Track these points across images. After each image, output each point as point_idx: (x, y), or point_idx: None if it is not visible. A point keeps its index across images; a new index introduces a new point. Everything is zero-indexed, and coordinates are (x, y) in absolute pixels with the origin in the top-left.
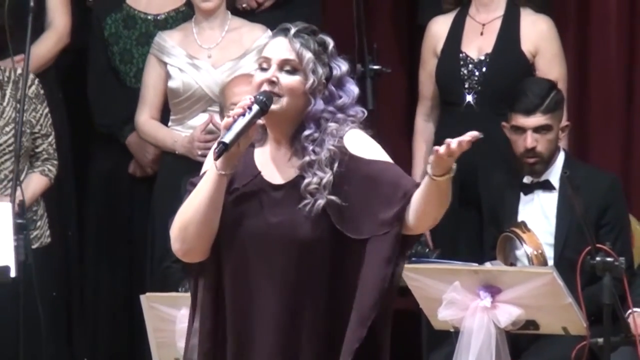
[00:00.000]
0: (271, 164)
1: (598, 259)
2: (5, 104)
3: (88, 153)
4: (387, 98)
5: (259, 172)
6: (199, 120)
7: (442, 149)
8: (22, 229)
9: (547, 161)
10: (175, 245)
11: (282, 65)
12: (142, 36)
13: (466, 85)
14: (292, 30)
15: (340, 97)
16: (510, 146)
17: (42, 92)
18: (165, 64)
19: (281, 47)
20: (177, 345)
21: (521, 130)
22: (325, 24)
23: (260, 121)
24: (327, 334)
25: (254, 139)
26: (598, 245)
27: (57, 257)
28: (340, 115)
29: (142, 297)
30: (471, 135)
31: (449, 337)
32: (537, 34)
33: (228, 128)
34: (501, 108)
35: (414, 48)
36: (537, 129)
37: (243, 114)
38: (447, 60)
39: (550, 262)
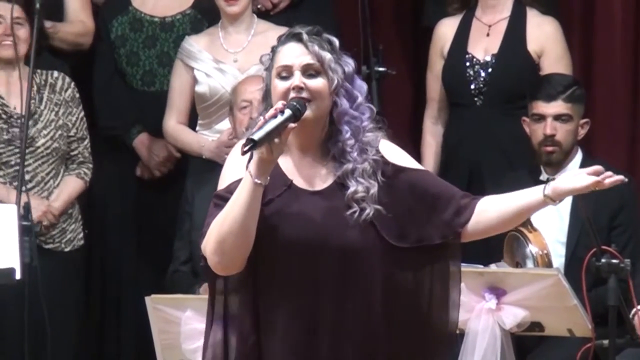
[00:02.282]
0: (301, 172)
1: (603, 260)
2: (42, 107)
3: (95, 155)
4: (392, 100)
5: (291, 181)
6: (226, 124)
7: (606, 181)
8: (27, 231)
9: (565, 152)
10: (214, 259)
11: (305, 70)
12: (149, 39)
13: (472, 86)
14: (305, 34)
15: (357, 94)
16: (524, 145)
17: (77, 95)
18: (192, 68)
19: (299, 53)
20: (182, 347)
21: (542, 117)
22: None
23: (292, 124)
24: (372, 342)
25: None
26: (603, 247)
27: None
28: (370, 125)
29: (147, 299)
30: (620, 178)
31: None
32: (543, 35)
33: (260, 128)
34: (507, 108)
35: (419, 50)
36: (557, 117)
37: (275, 116)
38: (454, 62)
39: (562, 261)
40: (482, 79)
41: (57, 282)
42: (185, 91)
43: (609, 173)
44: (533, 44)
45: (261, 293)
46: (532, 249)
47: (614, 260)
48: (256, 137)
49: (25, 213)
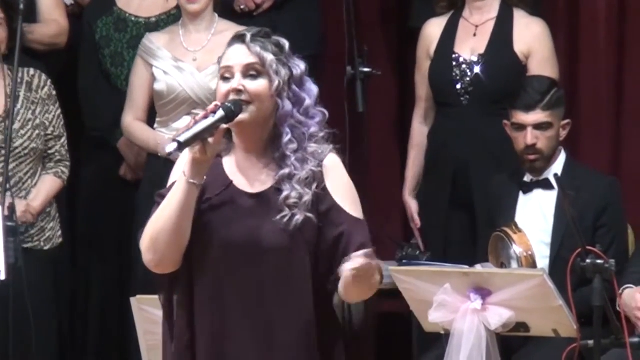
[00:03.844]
0: (243, 173)
1: (588, 261)
2: (19, 106)
3: (79, 156)
4: (378, 100)
5: (231, 182)
6: (183, 122)
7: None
8: (12, 232)
9: (548, 158)
10: (148, 256)
11: (246, 71)
12: (133, 39)
13: (459, 86)
14: (249, 35)
15: (304, 97)
16: (510, 145)
17: (54, 93)
18: (151, 65)
19: (241, 54)
20: None
21: (522, 127)
22: None
23: (224, 125)
24: (301, 345)
25: (221, 149)
26: (588, 247)
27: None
28: (320, 134)
29: (133, 300)
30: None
31: (439, 340)
32: (531, 36)
33: (188, 129)
34: (494, 108)
35: (404, 51)
36: (538, 126)
37: (206, 117)
38: (440, 61)
39: (547, 261)
40: (468, 79)
41: (38, 280)
42: (144, 88)
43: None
44: (520, 44)
45: (195, 292)
46: (516, 249)
47: (599, 261)
48: (182, 138)
49: (10, 214)
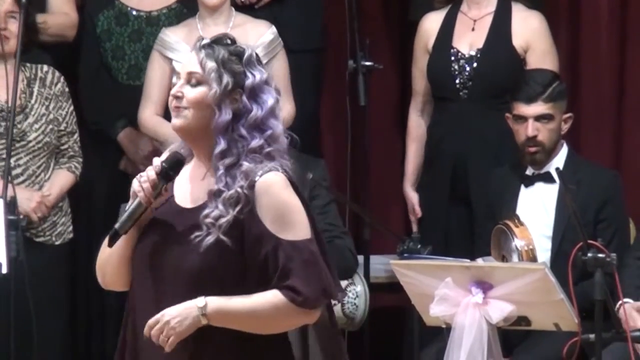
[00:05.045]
0: (187, 185)
1: (590, 254)
2: (33, 101)
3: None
4: (379, 94)
5: (172, 196)
6: None
7: None
8: (13, 225)
9: (549, 151)
10: (98, 277)
11: (188, 78)
12: (134, 33)
13: (457, 81)
14: (200, 43)
15: (252, 109)
16: (509, 139)
17: (67, 90)
18: (170, 59)
19: (188, 61)
20: None
21: (523, 119)
22: None
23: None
24: None
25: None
26: (589, 241)
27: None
28: (266, 149)
29: None
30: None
31: (440, 333)
32: (529, 29)
33: (134, 197)
34: (492, 103)
35: (405, 44)
36: (539, 118)
37: (154, 186)
38: (438, 56)
39: (548, 255)
40: (467, 74)
41: (49, 275)
42: (161, 82)
43: None
44: (518, 38)
45: (129, 308)
46: (517, 243)
47: (600, 255)
48: (117, 225)
49: (11, 207)
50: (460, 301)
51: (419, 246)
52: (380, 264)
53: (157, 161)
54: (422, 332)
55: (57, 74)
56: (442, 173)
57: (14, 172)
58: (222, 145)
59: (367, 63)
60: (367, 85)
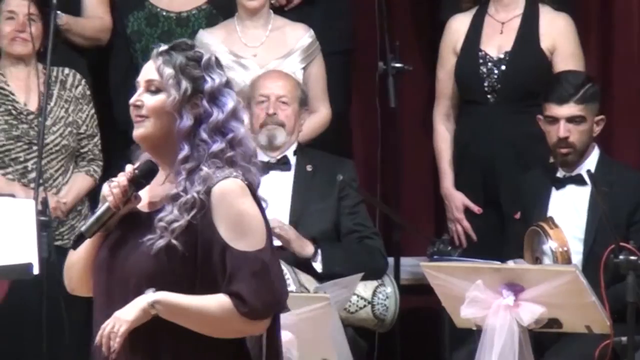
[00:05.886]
0: (152, 191)
1: (622, 257)
2: (52, 104)
3: (112, 150)
4: (409, 96)
5: (138, 202)
6: (244, 118)
7: None
8: (45, 227)
9: (580, 153)
10: (65, 282)
11: (148, 86)
12: (164, 34)
13: (485, 84)
14: (157, 50)
15: (212, 113)
16: (538, 142)
17: (88, 93)
18: None
19: (147, 69)
20: None
21: (555, 120)
22: None
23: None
24: None
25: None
26: (622, 243)
27: None
28: (228, 154)
29: None
30: None
31: (471, 336)
32: (555, 31)
33: (103, 201)
34: (521, 106)
35: (435, 45)
36: (570, 119)
37: (124, 192)
38: (467, 59)
39: (580, 257)
40: (495, 77)
41: None
42: None
43: None
44: (546, 40)
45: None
46: (551, 245)
47: (633, 257)
48: (84, 228)
49: (43, 208)
50: (491, 303)
51: (449, 248)
52: (411, 266)
53: (129, 167)
54: (453, 334)
55: (78, 76)
56: (472, 176)
57: (30, 176)
58: (185, 150)
59: (397, 65)
60: (397, 87)
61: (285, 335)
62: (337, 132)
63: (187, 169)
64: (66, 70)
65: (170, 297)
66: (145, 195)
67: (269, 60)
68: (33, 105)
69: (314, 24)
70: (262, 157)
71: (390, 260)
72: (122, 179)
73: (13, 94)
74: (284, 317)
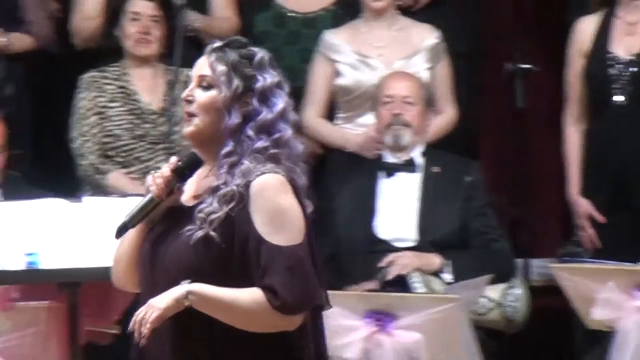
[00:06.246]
0: (197, 185)
1: None
2: (175, 104)
3: None
4: (536, 97)
5: (182, 193)
6: (369, 118)
7: None
8: None
9: None
10: (114, 278)
11: (200, 82)
12: (292, 35)
13: (616, 86)
14: (212, 46)
15: (261, 112)
16: None
17: None
18: (334, 61)
19: (200, 64)
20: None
21: None
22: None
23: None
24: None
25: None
26: None
27: None
28: (270, 151)
29: None
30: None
31: (603, 337)
32: None
33: (147, 193)
34: None
35: (561, 46)
36: None
37: (167, 183)
38: (596, 61)
39: None
40: (625, 79)
41: None
42: (325, 84)
43: None
44: None
45: None
46: None
47: None
48: (127, 218)
49: None
50: (624, 305)
51: (580, 250)
52: (540, 267)
53: (173, 159)
54: (584, 336)
55: None
56: (605, 179)
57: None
58: (229, 147)
59: (525, 66)
60: (524, 88)
61: (414, 336)
62: (463, 133)
63: (229, 162)
64: (189, 72)
65: (204, 289)
66: (191, 189)
67: (394, 60)
68: (157, 106)
69: (442, 25)
70: (389, 158)
71: (520, 261)
72: (165, 170)
73: (137, 94)
74: (413, 318)
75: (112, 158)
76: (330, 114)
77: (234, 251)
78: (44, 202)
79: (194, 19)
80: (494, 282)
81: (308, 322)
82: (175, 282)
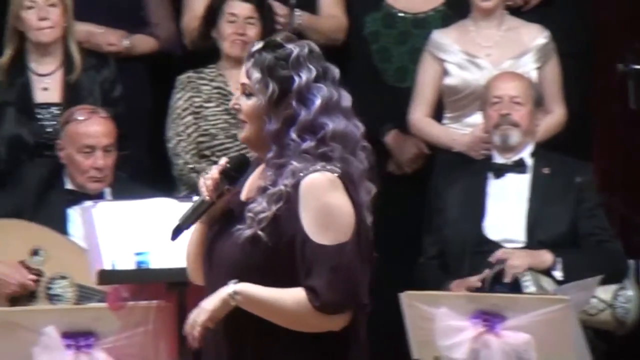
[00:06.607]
0: (252, 183)
1: None
2: None
3: None
4: None
5: (239, 191)
6: (477, 118)
7: None
8: None
9: None
10: (189, 275)
11: (242, 90)
12: (401, 35)
13: None
14: (250, 50)
15: (299, 113)
16: None
17: None
18: (442, 61)
19: (242, 71)
20: (437, 343)
21: None
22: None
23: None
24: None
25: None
26: None
27: None
28: (319, 150)
29: (402, 295)
30: None
31: None
32: None
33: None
34: None
35: None
36: None
37: (216, 185)
38: None
39: None
40: None
41: None
42: (432, 84)
43: None
44: None
45: None
46: None
47: None
48: (180, 221)
49: None
50: None
51: None
52: None
53: (222, 161)
54: None
55: None
56: None
57: None
58: (273, 151)
59: (637, 66)
60: (637, 88)
61: (523, 337)
62: (573, 134)
63: (275, 164)
64: None
65: (249, 288)
66: (246, 185)
67: (502, 60)
68: None
69: (552, 26)
70: (497, 159)
71: (632, 262)
72: (214, 171)
73: (232, 94)
74: (521, 319)
75: (208, 157)
76: (439, 113)
77: (281, 250)
78: (153, 202)
79: (298, 17)
80: (604, 282)
81: (362, 320)
82: (226, 281)
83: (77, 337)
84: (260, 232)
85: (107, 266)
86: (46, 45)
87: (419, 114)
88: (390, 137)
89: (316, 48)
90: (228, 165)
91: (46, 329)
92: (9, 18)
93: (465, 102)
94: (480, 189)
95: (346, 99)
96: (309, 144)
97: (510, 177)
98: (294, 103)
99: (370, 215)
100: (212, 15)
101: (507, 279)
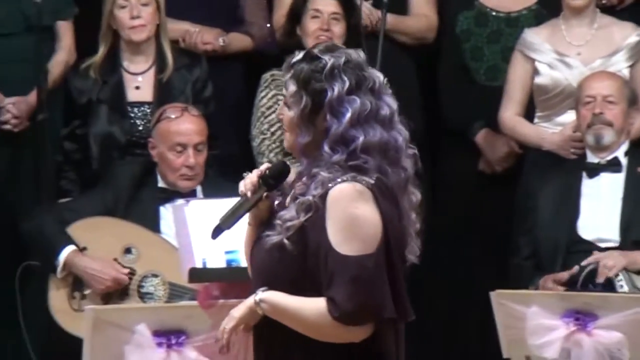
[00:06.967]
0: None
1: None
2: None
3: (439, 149)
4: None
5: (282, 193)
6: (567, 117)
7: None
8: None
9: None
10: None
11: (285, 101)
12: (493, 34)
13: None
14: (288, 62)
15: (331, 126)
16: None
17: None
18: (532, 60)
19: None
20: (528, 342)
21: None
22: None
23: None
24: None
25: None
26: None
27: None
28: (350, 162)
29: (492, 294)
30: None
31: None
32: None
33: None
34: None
35: None
36: None
37: (254, 189)
38: None
39: None
40: None
41: None
42: (523, 83)
43: None
44: None
45: None
46: None
47: None
48: (220, 221)
49: None
50: None
51: None
52: None
53: (264, 166)
54: None
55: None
56: None
57: None
58: (305, 162)
59: None
60: None
61: (615, 336)
62: None
63: (308, 174)
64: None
65: (273, 297)
66: (290, 195)
67: (593, 58)
68: None
69: None
70: (591, 158)
71: None
72: (253, 175)
73: None
74: (612, 318)
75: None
76: (531, 112)
77: (306, 260)
78: None
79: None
80: None
81: (388, 333)
82: (259, 285)
83: (169, 335)
84: (286, 241)
85: (198, 264)
86: (138, 43)
87: (510, 113)
88: (481, 136)
89: (354, 57)
90: (267, 172)
91: (138, 327)
92: (103, 16)
93: (555, 101)
94: (574, 188)
95: (386, 108)
96: (340, 156)
97: (604, 177)
98: (327, 116)
99: (419, 222)
100: (297, 11)
101: (601, 279)
